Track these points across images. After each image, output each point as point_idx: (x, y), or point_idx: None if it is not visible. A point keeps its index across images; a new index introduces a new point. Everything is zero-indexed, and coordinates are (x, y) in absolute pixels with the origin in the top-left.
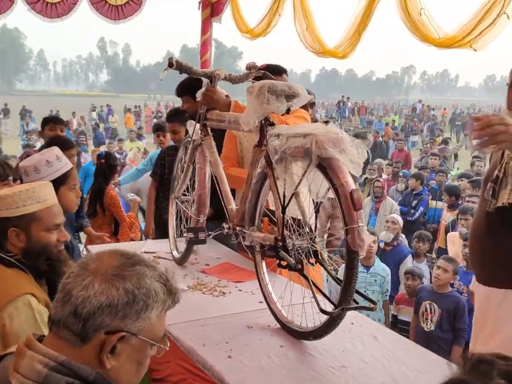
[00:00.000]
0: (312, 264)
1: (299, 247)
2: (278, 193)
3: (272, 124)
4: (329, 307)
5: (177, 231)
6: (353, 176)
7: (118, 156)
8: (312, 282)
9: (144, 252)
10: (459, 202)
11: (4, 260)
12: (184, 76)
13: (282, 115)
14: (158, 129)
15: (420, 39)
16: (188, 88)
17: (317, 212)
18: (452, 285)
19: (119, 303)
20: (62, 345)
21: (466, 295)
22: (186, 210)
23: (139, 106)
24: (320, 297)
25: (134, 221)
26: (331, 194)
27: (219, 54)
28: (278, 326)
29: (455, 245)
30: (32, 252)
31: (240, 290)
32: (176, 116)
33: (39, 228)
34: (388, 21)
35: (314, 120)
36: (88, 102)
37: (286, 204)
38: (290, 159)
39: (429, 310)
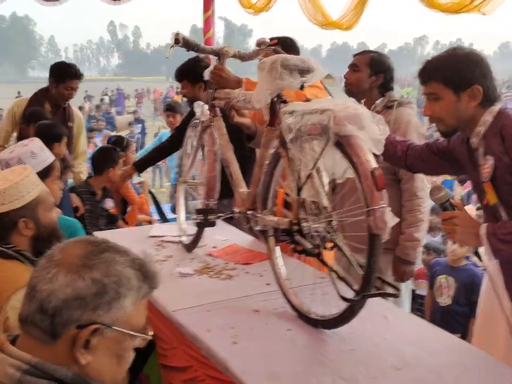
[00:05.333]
0: (329, 248)
1: (316, 230)
2: (293, 174)
3: (285, 101)
4: (349, 294)
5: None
6: (375, 154)
7: (130, 139)
8: (331, 268)
9: (151, 236)
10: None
11: (2, 253)
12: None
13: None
14: (168, 109)
15: (426, 4)
16: (186, 72)
17: (333, 192)
18: (467, 258)
19: (87, 294)
20: (34, 344)
21: (483, 269)
22: (195, 194)
23: (143, 89)
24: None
25: (145, 202)
26: (349, 173)
27: (229, 32)
28: (285, 309)
29: None
30: (42, 236)
31: (247, 272)
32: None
33: (44, 210)
34: None
35: None
36: (101, 86)
37: (301, 185)
38: (306, 137)
39: (444, 285)
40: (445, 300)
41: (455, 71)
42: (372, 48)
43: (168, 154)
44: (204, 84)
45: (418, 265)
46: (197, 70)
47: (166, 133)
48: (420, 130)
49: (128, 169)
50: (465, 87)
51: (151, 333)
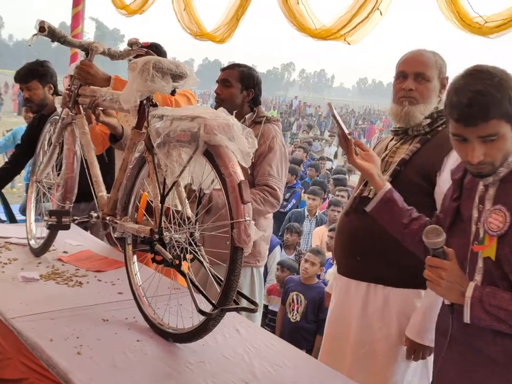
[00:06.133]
0: (188, 260)
1: (177, 241)
2: (158, 180)
3: (155, 105)
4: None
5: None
6: (242, 167)
7: None
8: (191, 280)
9: None
10: (325, 197)
11: None
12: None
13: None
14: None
15: (297, 28)
16: (36, 72)
17: (199, 203)
18: (318, 276)
19: None
20: None
21: None
22: (49, 195)
23: None
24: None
25: None
26: (216, 184)
27: (100, 35)
28: (136, 319)
29: (319, 238)
30: None
31: (99, 280)
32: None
33: None
34: (271, 16)
35: None
36: None
37: (166, 193)
38: (175, 143)
39: (295, 301)
40: (294, 315)
41: (510, 102)
42: None
43: (17, 170)
44: (53, 85)
45: (272, 281)
46: (45, 70)
47: (21, 128)
48: (283, 149)
49: None
50: None
51: None
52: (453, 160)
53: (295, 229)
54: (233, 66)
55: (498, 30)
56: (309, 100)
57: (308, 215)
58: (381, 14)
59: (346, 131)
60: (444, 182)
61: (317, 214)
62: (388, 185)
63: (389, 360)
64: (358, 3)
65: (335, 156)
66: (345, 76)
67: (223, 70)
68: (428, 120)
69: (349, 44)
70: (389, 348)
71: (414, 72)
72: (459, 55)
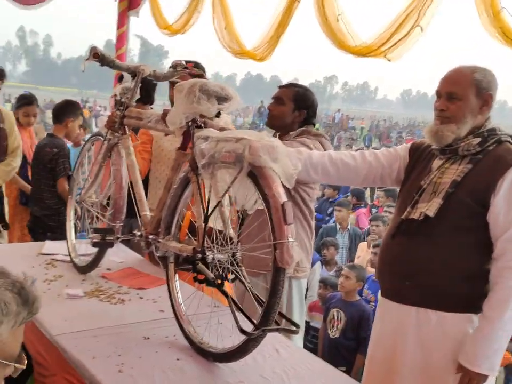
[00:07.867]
0: (230, 280)
1: (219, 261)
2: (202, 200)
3: (200, 126)
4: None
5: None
6: (285, 188)
7: None
8: (232, 299)
9: (42, 254)
10: (361, 204)
11: None
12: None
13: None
14: None
15: (337, 45)
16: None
17: (241, 224)
18: (360, 293)
19: None
20: None
21: (374, 304)
22: (99, 215)
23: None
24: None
25: None
26: (259, 205)
27: (145, 51)
28: (176, 337)
29: (363, 252)
30: None
31: (141, 297)
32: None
33: None
34: (312, 30)
35: None
36: (5, 92)
37: (209, 212)
38: (220, 164)
39: (335, 318)
40: (334, 332)
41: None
42: (284, 82)
43: None
44: None
45: (312, 297)
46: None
47: None
48: None
49: None
50: None
51: (25, 362)
52: (508, 181)
53: (330, 243)
54: (290, 86)
55: None
56: (351, 112)
57: (339, 229)
58: (421, 30)
59: None
60: (498, 204)
61: (348, 227)
62: None
63: None
64: (398, 20)
65: None
66: (389, 88)
67: (280, 87)
68: (478, 139)
69: (389, 61)
70: (446, 375)
71: (446, 92)
72: (503, 69)
